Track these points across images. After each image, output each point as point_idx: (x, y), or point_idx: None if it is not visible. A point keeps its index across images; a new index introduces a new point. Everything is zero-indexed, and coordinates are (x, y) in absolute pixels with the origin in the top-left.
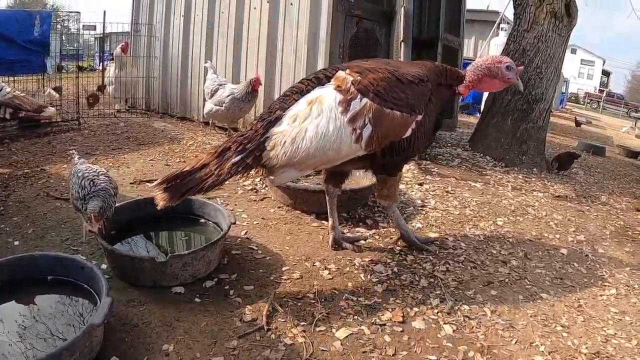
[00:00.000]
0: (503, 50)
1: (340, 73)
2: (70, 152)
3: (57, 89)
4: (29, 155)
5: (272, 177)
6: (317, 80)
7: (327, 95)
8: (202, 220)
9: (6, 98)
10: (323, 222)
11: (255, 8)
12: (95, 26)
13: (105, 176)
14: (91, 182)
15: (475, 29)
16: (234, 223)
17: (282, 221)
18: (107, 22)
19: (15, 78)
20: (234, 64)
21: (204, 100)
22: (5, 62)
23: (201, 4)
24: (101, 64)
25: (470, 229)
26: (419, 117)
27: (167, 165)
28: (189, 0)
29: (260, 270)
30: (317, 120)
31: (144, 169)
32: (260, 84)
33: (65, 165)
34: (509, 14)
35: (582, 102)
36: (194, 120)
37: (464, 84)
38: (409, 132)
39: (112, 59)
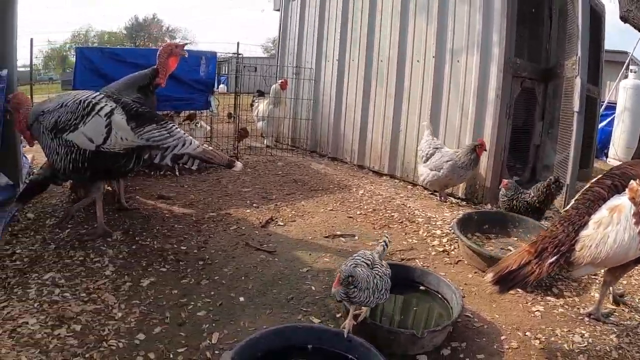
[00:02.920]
0: None
1: (633, 184)
2: (382, 241)
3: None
4: (205, 195)
5: (571, 271)
6: (615, 188)
7: (624, 206)
8: (422, 288)
9: (197, 152)
10: (518, 290)
11: (418, 61)
12: (255, 68)
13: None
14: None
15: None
16: (464, 297)
17: (482, 288)
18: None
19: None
20: (394, 115)
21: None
22: (173, 100)
23: (357, 50)
24: (219, 86)
25: (638, 300)
26: None
27: (350, 217)
28: (343, 46)
29: (484, 339)
30: (616, 228)
31: (328, 221)
32: (485, 150)
33: (248, 210)
34: (638, 54)
35: None
36: (346, 162)
37: None
38: None
39: (259, 96)
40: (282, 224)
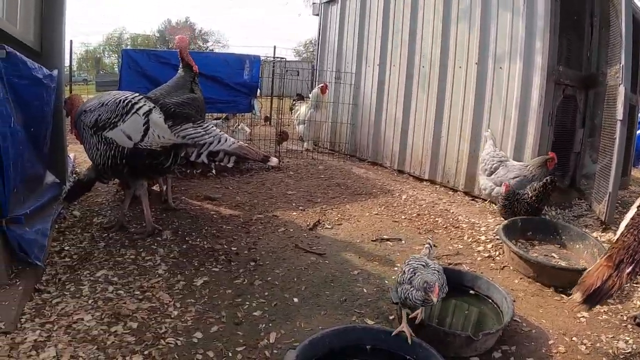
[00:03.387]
0: None
1: None
2: (427, 243)
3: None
4: (250, 197)
5: None
6: None
7: None
8: (472, 292)
9: (232, 148)
10: (562, 296)
11: (460, 67)
12: (297, 72)
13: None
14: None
15: None
16: (514, 301)
17: (529, 293)
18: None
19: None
20: (436, 120)
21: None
22: (217, 103)
23: (398, 56)
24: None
25: None
26: None
27: (395, 221)
28: (384, 51)
29: (532, 343)
30: None
31: (374, 224)
32: (556, 163)
33: (294, 213)
34: None
35: None
36: (386, 166)
37: None
38: None
39: (298, 99)
40: (330, 227)
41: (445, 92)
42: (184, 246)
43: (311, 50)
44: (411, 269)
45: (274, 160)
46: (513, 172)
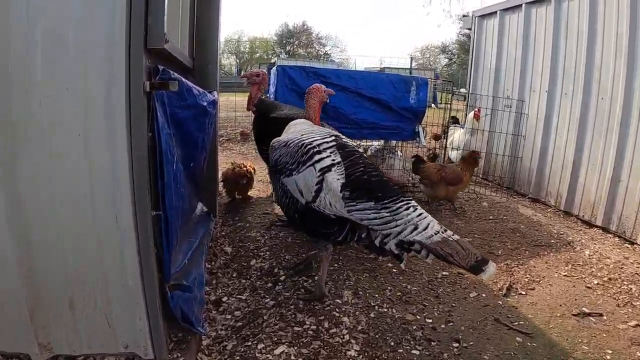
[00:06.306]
0: None
1: None
2: None
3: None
4: None
5: None
6: None
7: None
8: None
9: (432, 242)
10: None
11: None
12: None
13: None
14: None
15: None
16: None
17: None
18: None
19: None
20: (616, 161)
21: None
22: (379, 128)
23: (571, 83)
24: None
25: None
26: None
27: (588, 287)
28: (553, 76)
29: None
30: None
31: (568, 291)
32: None
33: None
34: None
35: None
36: (549, 205)
37: None
38: None
39: (453, 123)
40: (523, 292)
41: (629, 131)
42: (371, 314)
43: (427, 56)
44: None
45: (491, 270)
46: None
